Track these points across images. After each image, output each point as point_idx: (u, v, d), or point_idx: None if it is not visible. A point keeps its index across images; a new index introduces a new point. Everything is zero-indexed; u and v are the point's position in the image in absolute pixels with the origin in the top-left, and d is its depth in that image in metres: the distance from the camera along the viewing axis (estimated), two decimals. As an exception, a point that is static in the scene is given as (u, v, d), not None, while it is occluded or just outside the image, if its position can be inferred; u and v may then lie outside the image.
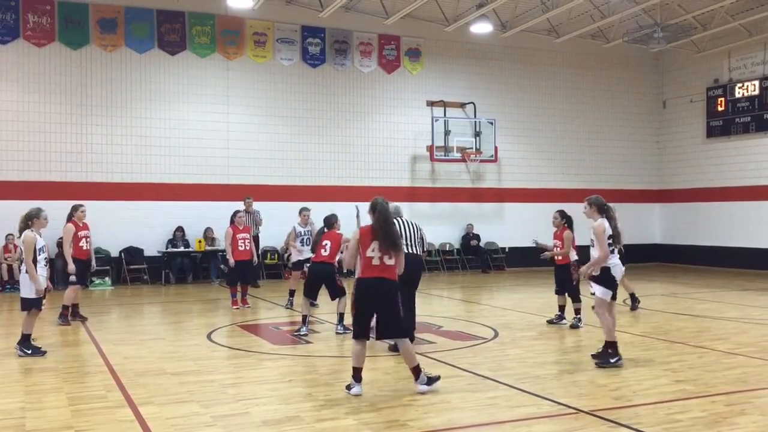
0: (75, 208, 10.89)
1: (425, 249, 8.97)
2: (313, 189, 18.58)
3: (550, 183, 21.34)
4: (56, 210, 10.95)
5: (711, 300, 13.58)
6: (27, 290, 8.25)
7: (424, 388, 6.58)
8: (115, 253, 16.96)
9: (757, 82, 20.03)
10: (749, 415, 5.82)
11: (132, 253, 17.17)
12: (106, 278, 16.50)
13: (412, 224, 8.81)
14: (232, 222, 13.38)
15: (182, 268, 17.39)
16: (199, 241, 17.37)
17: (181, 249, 17.29)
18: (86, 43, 16.98)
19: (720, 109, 21.07)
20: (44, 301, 8.46)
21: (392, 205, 8.95)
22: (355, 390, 6.53)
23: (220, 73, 18.17)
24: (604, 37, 20.97)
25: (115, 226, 16.81)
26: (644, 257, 21.82)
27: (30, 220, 8.25)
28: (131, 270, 17.01)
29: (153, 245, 17.16)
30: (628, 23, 19.89)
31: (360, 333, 6.67)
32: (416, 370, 6.63)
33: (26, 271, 8.17)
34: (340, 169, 19.13)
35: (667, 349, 8.76)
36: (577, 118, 21.82)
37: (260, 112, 18.51)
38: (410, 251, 8.60)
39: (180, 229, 17.36)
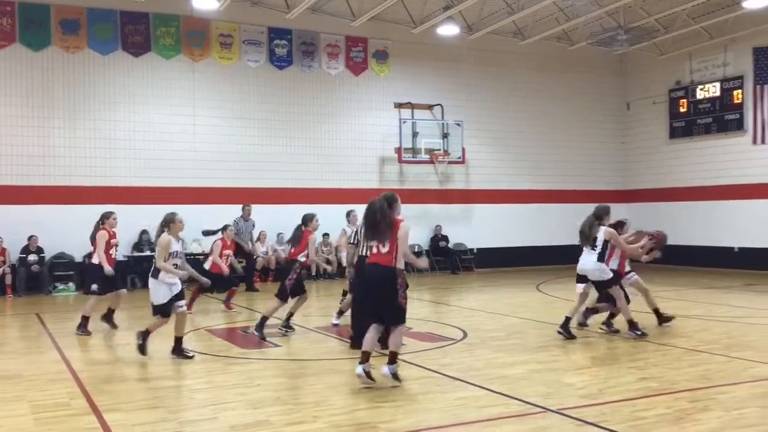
0: (107, 216, 10.56)
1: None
2: (281, 191, 18.49)
3: (517, 184, 21.53)
4: (18, 215, 10.76)
5: (675, 298, 13.81)
6: (156, 296, 8.36)
7: (387, 372, 6.80)
8: (79, 258, 16.66)
9: (717, 84, 20.44)
10: (712, 411, 5.93)
11: (96, 258, 16.87)
12: (70, 284, 16.22)
13: None
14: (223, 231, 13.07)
15: (148, 272, 17.10)
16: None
17: (148, 253, 17.04)
18: (48, 44, 16.68)
19: (682, 110, 21.46)
20: (184, 303, 8.56)
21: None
22: (357, 370, 6.81)
23: (185, 74, 17.99)
24: (569, 39, 21.23)
25: (78, 231, 16.40)
26: (610, 257, 22.11)
27: (167, 225, 8.37)
28: (95, 275, 16.72)
29: (119, 249, 16.85)
30: (592, 26, 20.16)
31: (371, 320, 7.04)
32: (394, 356, 6.87)
33: (152, 275, 8.34)
34: (308, 172, 19.06)
35: (632, 347, 8.88)
36: (543, 120, 22.04)
37: (227, 114, 18.37)
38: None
39: (145, 232, 17.11)
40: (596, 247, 9.40)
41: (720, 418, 5.70)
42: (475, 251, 20.87)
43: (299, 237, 10.03)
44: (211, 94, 18.27)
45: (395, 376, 6.87)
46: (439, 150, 19.89)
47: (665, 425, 5.55)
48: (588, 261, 9.49)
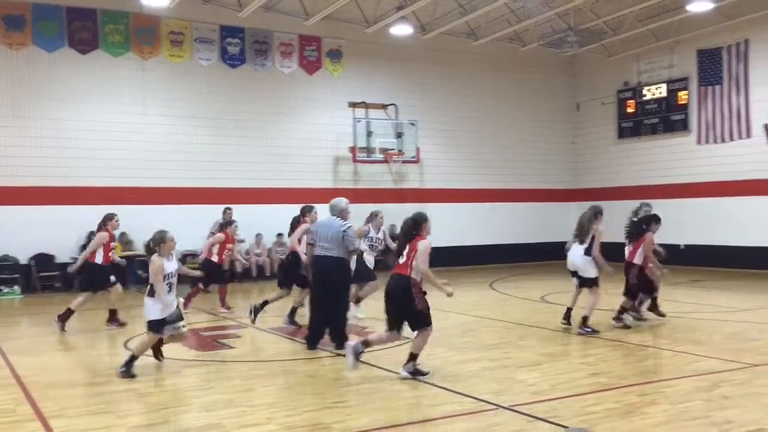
0: (109, 217, 10.94)
1: (352, 249, 8.85)
2: (235, 191, 18.29)
3: (470, 183, 21.72)
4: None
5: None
6: (151, 312, 7.61)
7: (406, 374, 7.11)
8: (24, 260, 16.22)
9: (664, 86, 20.96)
10: (659, 405, 6.08)
11: (43, 260, 16.43)
12: (15, 287, 15.76)
13: (330, 225, 8.73)
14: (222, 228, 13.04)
15: (97, 275, 16.73)
16: (116, 247, 16.79)
17: (96, 255, 16.68)
18: (-10, 41, 16.20)
19: (630, 110, 21.94)
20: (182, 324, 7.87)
21: (333, 201, 8.95)
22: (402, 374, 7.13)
23: (135, 72, 17.64)
24: (521, 40, 21.51)
25: (23, 232, 16.09)
26: (560, 255, 22.46)
27: (157, 245, 7.67)
28: (42, 278, 16.28)
29: (66, 251, 16.47)
30: (542, 27, 20.46)
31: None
32: (413, 357, 7.18)
33: (148, 294, 7.62)
34: (262, 171, 18.89)
35: (583, 342, 9.05)
36: (496, 120, 22.27)
37: (178, 113, 18.07)
38: (321, 253, 8.58)
39: (93, 234, 16.68)
40: (585, 242, 9.71)
41: (666, 412, 5.85)
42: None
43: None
44: (162, 92, 17.97)
45: (415, 372, 7.12)
46: (393, 149, 19.93)
47: (614, 419, 5.67)
48: (577, 255, 9.83)
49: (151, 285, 7.62)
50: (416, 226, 7.34)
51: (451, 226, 21.23)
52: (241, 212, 17.81)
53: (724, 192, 18.95)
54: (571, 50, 21.24)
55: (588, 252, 9.66)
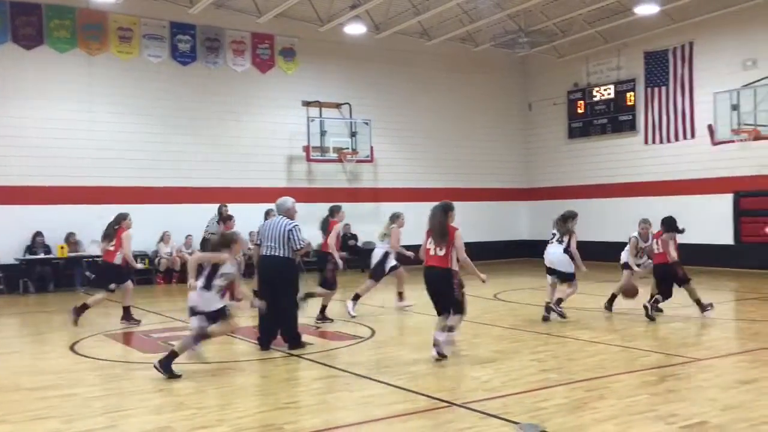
0: (123, 217, 11.12)
1: (298, 248, 8.75)
2: (186, 190, 18.02)
3: (424, 182, 21.79)
4: None
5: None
6: (212, 304, 7.47)
7: (442, 338, 7.74)
8: (-36, 261, 15.72)
9: (612, 87, 21.40)
10: (607, 399, 6.19)
11: (-15, 262, 15.95)
12: (-45, 289, 15.27)
13: (276, 224, 8.66)
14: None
15: (43, 276, 16.32)
16: (62, 247, 16.41)
17: (41, 256, 16.25)
18: (-72, 34, 15.62)
19: (580, 111, 22.34)
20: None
21: (279, 201, 8.89)
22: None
23: (81, 69, 17.22)
24: (473, 41, 21.70)
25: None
26: (513, 253, 22.80)
27: (228, 246, 7.58)
28: (-16, 280, 15.80)
29: (9, 252, 16.00)
30: (495, 28, 20.68)
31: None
32: (451, 328, 7.82)
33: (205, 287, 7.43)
34: (214, 170, 18.64)
35: (535, 339, 9.17)
36: (449, 119, 22.42)
37: (127, 111, 17.71)
38: (266, 253, 8.51)
39: (39, 234, 16.31)
40: (562, 241, 10.54)
41: (613, 406, 5.96)
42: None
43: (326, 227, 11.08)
44: (110, 89, 17.58)
45: (446, 342, 7.80)
46: (347, 149, 19.90)
47: (564, 414, 5.75)
48: (555, 253, 10.60)
49: (210, 279, 7.39)
50: (446, 214, 7.90)
51: (405, 225, 21.26)
52: (191, 212, 17.60)
53: (670, 191, 19.43)
54: (523, 51, 21.53)
55: (566, 250, 10.47)
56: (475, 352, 8.51)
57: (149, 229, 16.29)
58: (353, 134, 20.10)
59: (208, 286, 7.47)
